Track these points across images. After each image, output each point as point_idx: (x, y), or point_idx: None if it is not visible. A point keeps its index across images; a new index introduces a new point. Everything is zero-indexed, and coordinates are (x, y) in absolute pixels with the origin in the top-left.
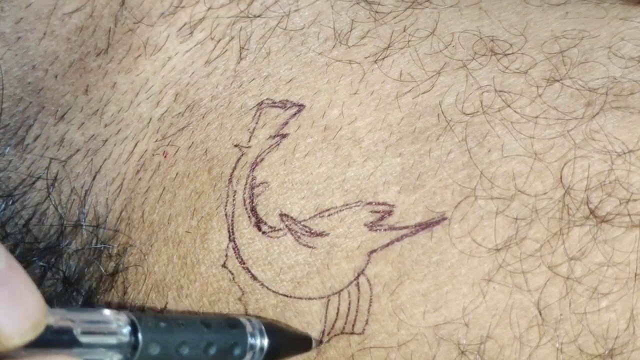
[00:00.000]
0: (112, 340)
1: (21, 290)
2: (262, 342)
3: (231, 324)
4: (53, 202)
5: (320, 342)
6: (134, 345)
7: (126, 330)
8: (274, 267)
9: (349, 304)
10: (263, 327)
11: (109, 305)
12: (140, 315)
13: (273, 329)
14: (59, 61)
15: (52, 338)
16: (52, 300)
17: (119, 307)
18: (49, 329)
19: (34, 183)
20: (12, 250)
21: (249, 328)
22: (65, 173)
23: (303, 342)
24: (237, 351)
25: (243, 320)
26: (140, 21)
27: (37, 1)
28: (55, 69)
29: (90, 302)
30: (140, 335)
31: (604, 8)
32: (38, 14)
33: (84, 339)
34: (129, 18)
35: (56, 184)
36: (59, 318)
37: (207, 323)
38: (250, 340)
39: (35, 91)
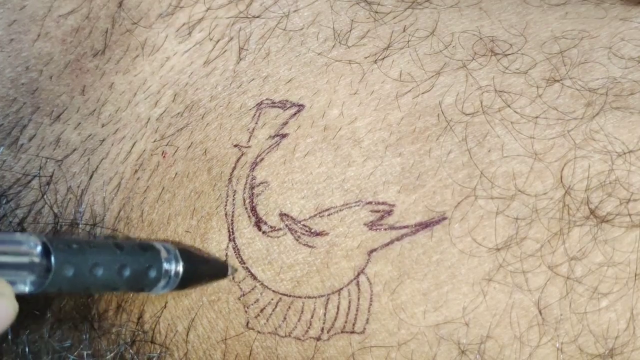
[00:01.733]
0: (23, 259)
1: None
2: (177, 267)
3: (144, 247)
4: (48, 201)
5: (235, 270)
6: (47, 268)
7: (38, 250)
8: (274, 266)
9: (349, 302)
10: (178, 253)
11: (107, 305)
12: (52, 238)
13: (188, 255)
14: (53, 62)
15: None
16: (46, 298)
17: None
18: None
19: (29, 182)
20: None
21: (163, 253)
22: (61, 172)
23: (219, 269)
24: (152, 273)
25: (157, 245)
26: (138, 22)
27: (32, 3)
28: (50, 70)
29: (89, 303)
30: (52, 257)
31: (603, 8)
32: (32, 16)
33: None
34: (126, 19)
35: (52, 183)
36: None
37: (120, 246)
38: (165, 266)
39: (29, 92)
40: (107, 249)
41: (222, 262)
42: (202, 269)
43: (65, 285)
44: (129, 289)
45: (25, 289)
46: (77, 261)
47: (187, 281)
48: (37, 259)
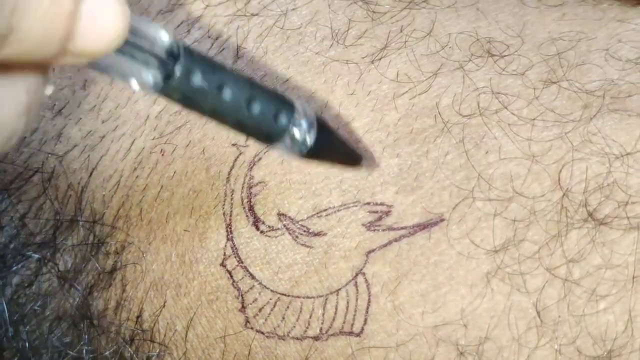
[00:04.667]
0: (153, 47)
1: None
2: (310, 131)
3: (278, 95)
4: (49, 197)
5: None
6: (172, 69)
7: (167, 41)
8: (272, 266)
9: (347, 303)
10: (315, 121)
11: (106, 303)
12: (181, 42)
13: (324, 125)
14: None
15: None
16: (46, 295)
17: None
18: None
19: (30, 177)
20: (7, 243)
21: (299, 109)
22: (62, 168)
23: (353, 156)
24: (282, 120)
25: (297, 102)
26: None
27: None
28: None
29: (88, 301)
30: (182, 56)
31: (601, 9)
32: None
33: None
34: None
35: (53, 179)
36: None
37: (254, 81)
38: (297, 117)
39: None
40: (239, 76)
41: (358, 153)
42: (335, 144)
43: (187, 94)
44: (254, 129)
45: (149, 79)
46: (206, 72)
47: (317, 151)
48: (164, 53)
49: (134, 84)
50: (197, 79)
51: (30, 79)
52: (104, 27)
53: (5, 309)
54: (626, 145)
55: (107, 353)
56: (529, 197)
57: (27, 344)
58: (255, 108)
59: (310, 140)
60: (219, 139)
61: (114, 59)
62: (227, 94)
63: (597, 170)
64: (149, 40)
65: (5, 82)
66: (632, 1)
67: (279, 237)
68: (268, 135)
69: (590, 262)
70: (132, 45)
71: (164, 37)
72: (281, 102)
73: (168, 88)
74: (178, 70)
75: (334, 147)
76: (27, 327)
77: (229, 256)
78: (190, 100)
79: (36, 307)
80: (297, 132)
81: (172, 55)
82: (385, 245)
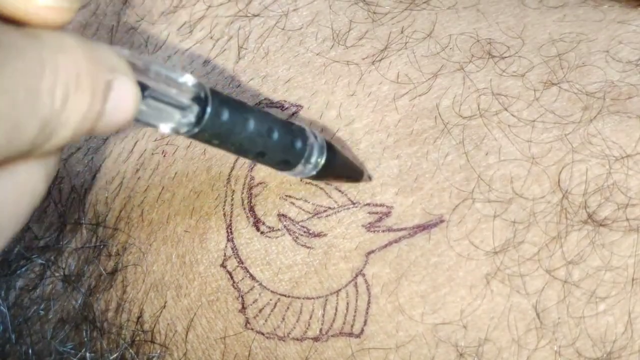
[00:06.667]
0: (184, 94)
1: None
2: (320, 158)
3: (291, 124)
4: (53, 200)
5: (369, 176)
6: (202, 111)
7: (195, 87)
8: (272, 267)
9: (347, 304)
10: (325, 144)
11: (107, 304)
12: (206, 84)
13: (331, 147)
14: None
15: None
16: (50, 299)
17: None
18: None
19: None
20: (11, 247)
21: (311, 137)
22: (65, 171)
23: (356, 170)
24: (298, 144)
25: (307, 128)
26: (142, 19)
27: None
28: None
29: (89, 302)
30: (210, 97)
31: (602, 11)
32: None
33: (157, 82)
34: (131, 16)
35: (56, 182)
36: (137, 63)
37: (270, 114)
38: (311, 142)
39: None
40: (260, 110)
41: (359, 166)
42: (341, 163)
43: (219, 130)
44: (274, 157)
45: (183, 123)
46: (232, 109)
47: (326, 170)
48: (194, 97)
49: (165, 128)
50: (225, 117)
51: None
52: (124, 107)
53: (9, 313)
54: (626, 147)
55: (111, 358)
56: (528, 198)
57: (30, 350)
58: (275, 134)
59: (322, 161)
60: None
61: (152, 107)
62: (251, 125)
63: (597, 172)
64: (178, 87)
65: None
66: (633, 3)
67: (279, 238)
68: (287, 161)
69: (589, 264)
70: (162, 94)
71: (190, 82)
72: (295, 130)
73: (200, 129)
74: (208, 112)
75: (340, 165)
76: (31, 330)
77: (229, 257)
78: (220, 136)
79: (40, 310)
80: (312, 156)
81: (199, 98)
82: (385, 246)
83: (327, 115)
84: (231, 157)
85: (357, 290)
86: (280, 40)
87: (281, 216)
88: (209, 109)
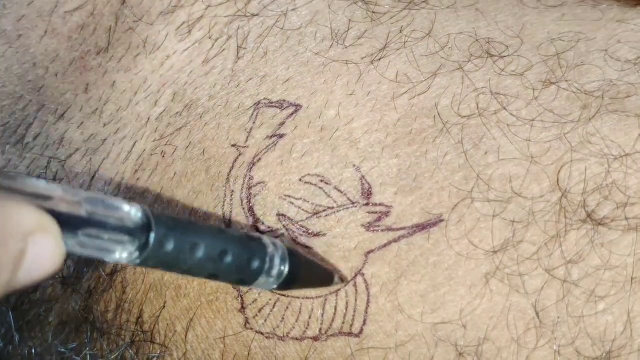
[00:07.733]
0: (125, 225)
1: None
2: (283, 266)
3: (250, 238)
4: None
5: (343, 281)
6: (146, 240)
7: (138, 218)
8: None
9: (347, 304)
10: (286, 251)
11: (107, 305)
12: (153, 210)
13: (295, 256)
14: (59, 59)
15: (62, 219)
16: (50, 301)
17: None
18: (59, 215)
19: None
20: None
21: (270, 248)
22: (64, 173)
23: (325, 276)
24: (255, 264)
25: (265, 238)
26: (140, 19)
27: None
28: (56, 67)
29: (89, 303)
30: (154, 227)
31: (600, 10)
32: (40, 11)
33: (93, 217)
34: (129, 16)
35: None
36: (70, 199)
37: (223, 231)
38: (269, 260)
39: (35, 89)
40: (210, 231)
41: (329, 269)
42: (307, 272)
43: (163, 260)
44: (227, 278)
45: (123, 257)
46: (178, 237)
47: (289, 283)
48: (137, 224)
49: (111, 259)
50: (170, 245)
51: None
52: (44, 265)
53: (12, 315)
54: (625, 146)
55: (111, 358)
56: (527, 197)
57: (33, 351)
58: (229, 258)
59: (285, 270)
60: (218, 140)
61: (89, 242)
62: (201, 251)
63: (596, 171)
64: (120, 217)
65: None
66: (632, 2)
67: (279, 237)
68: (242, 280)
69: (589, 263)
70: (103, 226)
71: (132, 211)
72: (253, 244)
73: (142, 260)
74: (151, 241)
75: (306, 271)
76: (32, 333)
77: None
78: (166, 264)
79: (41, 313)
80: (273, 267)
81: (145, 226)
82: (384, 246)
83: (326, 114)
84: (230, 157)
85: (356, 290)
86: (279, 40)
87: (280, 216)
88: (151, 241)
